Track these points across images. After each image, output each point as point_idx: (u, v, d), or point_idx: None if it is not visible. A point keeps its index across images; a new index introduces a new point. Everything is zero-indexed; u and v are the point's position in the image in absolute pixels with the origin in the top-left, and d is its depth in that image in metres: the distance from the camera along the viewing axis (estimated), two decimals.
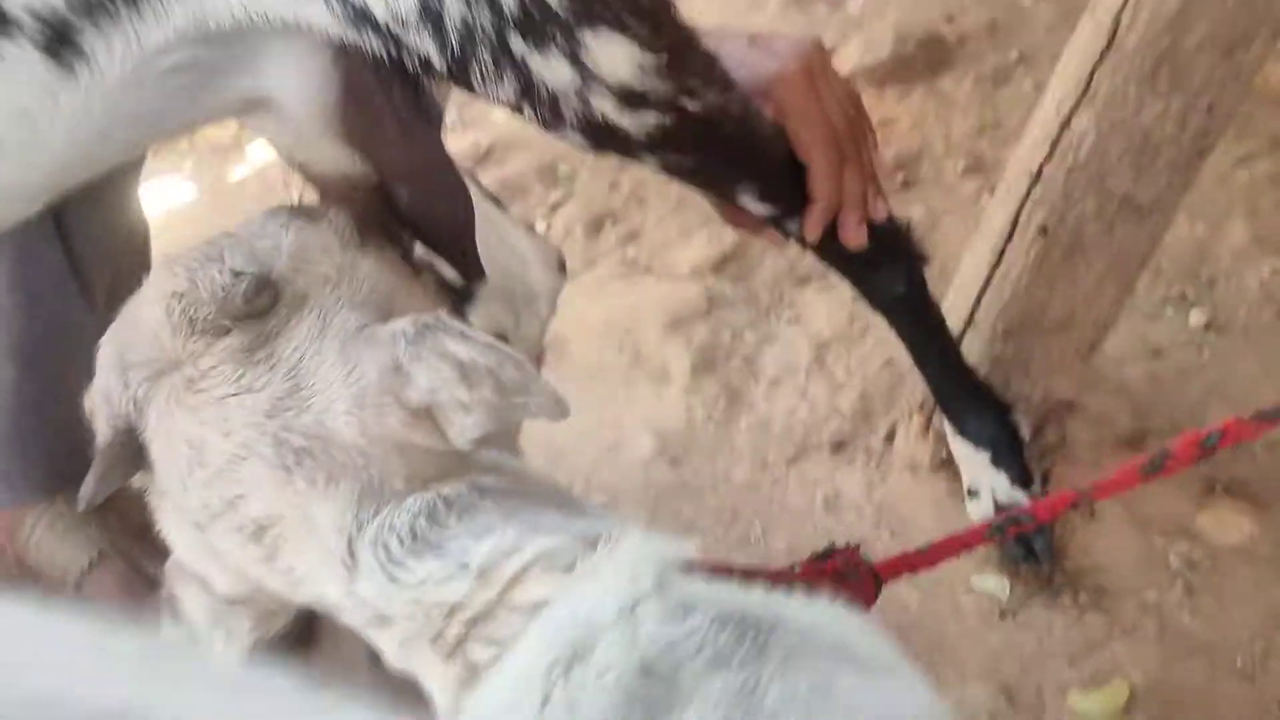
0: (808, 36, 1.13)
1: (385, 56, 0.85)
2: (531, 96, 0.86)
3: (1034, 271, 1.31)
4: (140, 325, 0.74)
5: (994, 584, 1.36)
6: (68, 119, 0.79)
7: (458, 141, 2.19)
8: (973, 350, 1.36)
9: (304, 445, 0.67)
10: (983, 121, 2.14)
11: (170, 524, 0.78)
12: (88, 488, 0.75)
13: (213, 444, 0.69)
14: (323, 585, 0.69)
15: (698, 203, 2.13)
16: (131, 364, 0.73)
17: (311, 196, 1.03)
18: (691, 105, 0.93)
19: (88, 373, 1.42)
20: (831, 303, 1.80)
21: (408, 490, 0.68)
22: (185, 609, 0.82)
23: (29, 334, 1.31)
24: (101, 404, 0.75)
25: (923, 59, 2.30)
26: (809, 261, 1.93)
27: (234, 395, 0.69)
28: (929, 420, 1.47)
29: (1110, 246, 1.28)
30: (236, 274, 0.71)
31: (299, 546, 0.69)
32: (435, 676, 0.68)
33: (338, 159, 0.99)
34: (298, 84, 0.91)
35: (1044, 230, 1.29)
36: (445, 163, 1.06)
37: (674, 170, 1.00)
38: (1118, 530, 1.38)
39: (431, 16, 0.80)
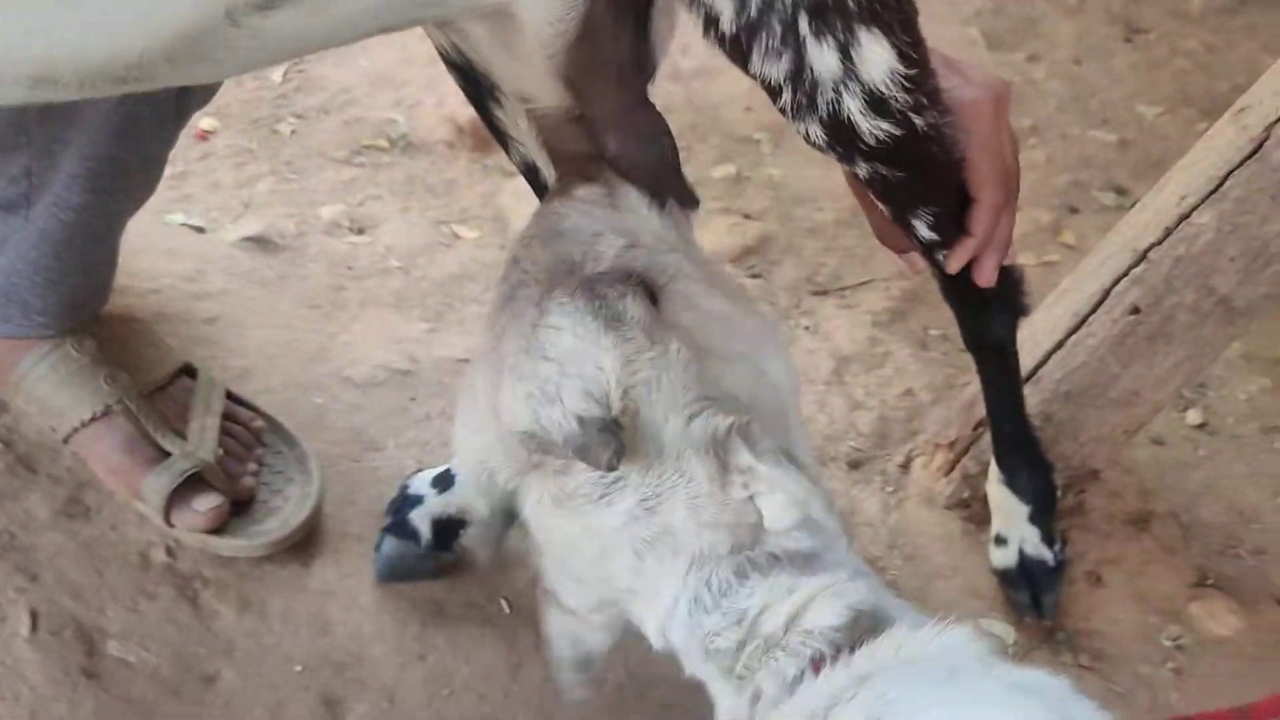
0: (997, 74, 1.15)
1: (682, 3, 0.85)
2: (797, 80, 0.90)
3: (1114, 345, 1.37)
4: (496, 437, 0.88)
5: (1000, 629, 1.41)
6: None
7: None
8: (1029, 404, 1.40)
9: (651, 538, 0.84)
10: None
11: (547, 567, 0.93)
12: (485, 552, 1.02)
13: (582, 543, 0.87)
14: (648, 627, 0.88)
15: (716, 188, 2.14)
16: (495, 466, 0.89)
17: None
18: (918, 121, 0.97)
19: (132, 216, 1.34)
20: (852, 321, 1.83)
21: (729, 554, 0.83)
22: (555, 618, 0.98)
23: (114, 162, 1.21)
24: (471, 483, 0.96)
25: None
26: (827, 274, 1.97)
27: (595, 510, 0.85)
28: (957, 460, 1.51)
29: (1194, 340, 1.34)
30: (581, 420, 0.81)
31: (649, 609, 0.87)
32: (728, 698, 0.82)
33: (550, 92, 0.97)
34: (545, 6, 0.89)
35: (1136, 309, 1.35)
36: (651, 113, 1.04)
37: (876, 181, 1.02)
38: (1119, 602, 1.45)
39: None
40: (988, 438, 1.42)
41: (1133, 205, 2.18)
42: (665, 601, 0.84)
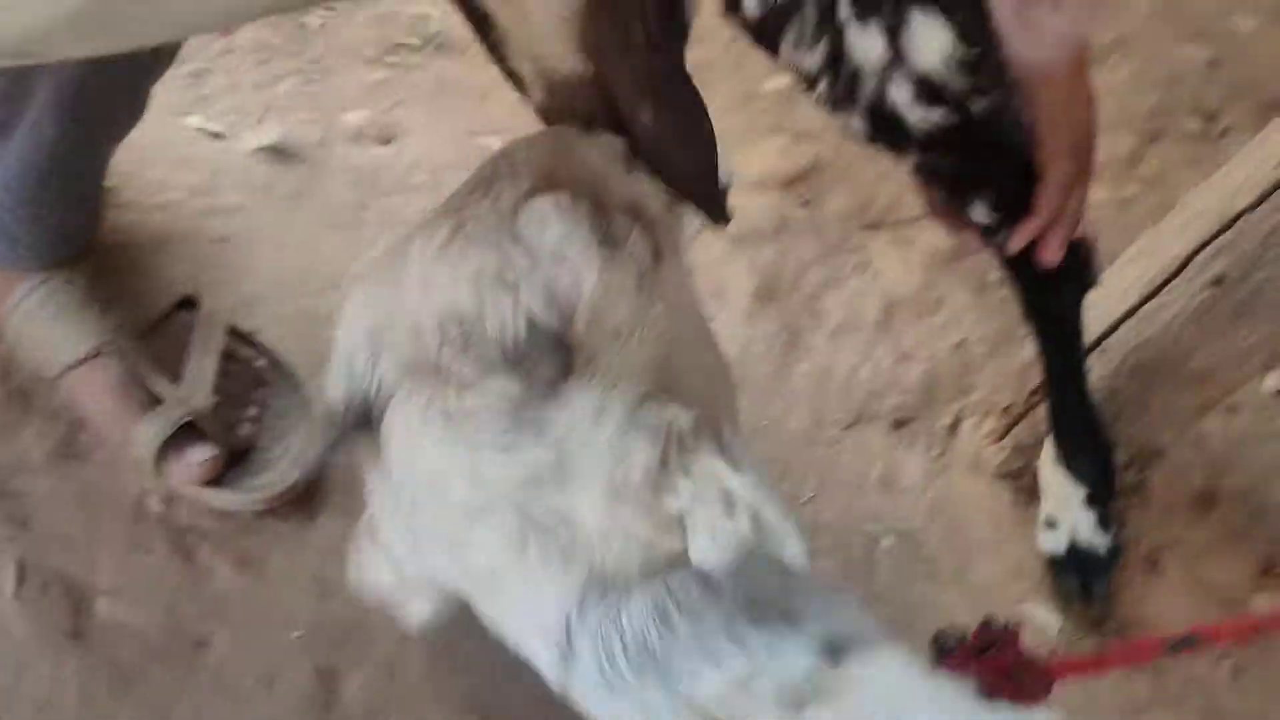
0: (1076, 19, 1.00)
1: None
2: (835, 69, 0.78)
3: (1192, 319, 1.24)
4: (406, 310, 0.68)
5: (1044, 616, 1.31)
6: None
7: None
8: (1092, 375, 1.27)
9: (548, 523, 0.65)
10: None
11: (380, 499, 0.74)
12: (314, 452, 0.70)
13: (456, 486, 0.66)
14: (532, 649, 0.69)
15: (766, 102, 1.99)
16: (387, 344, 0.68)
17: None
18: (976, 106, 0.84)
19: (119, 144, 1.23)
20: (905, 259, 1.70)
21: (638, 578, 0.65)
22: (371, 561, 0.77)
23: (85, 89, 1.11)
24: (342, 362, 0.70)
25: None
26: (882, 205, 1.83)
27: (492, 450, 0.65)
28: (1010, 427, 1.40)
29: None
30: (532, 323, 0.66)
31: (514, 607, 0.69)
32: None
33: (564, 56, 0.85)
34: None
35: (1219, 280, 1.21)
36: (688, 83, 0.91)
37: (927, 169, 0.90)
38: (1176, 589, 1.35)
39: None
40: (1045, 406, 1.30)
41: (1220, 134, 2.02)
42: (551, 618, 0.66)
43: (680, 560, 0.65)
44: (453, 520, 0.67)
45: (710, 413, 0.73)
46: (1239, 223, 1.20)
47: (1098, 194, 1.87)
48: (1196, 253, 1.23)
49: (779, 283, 1.62)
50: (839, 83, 0.77)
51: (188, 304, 1.36)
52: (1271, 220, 1.17)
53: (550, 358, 0.66)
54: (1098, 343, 1.30)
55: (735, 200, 1.72)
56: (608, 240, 0.71)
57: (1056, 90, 0.93)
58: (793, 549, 0.64)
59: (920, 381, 1.53)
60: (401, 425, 0.68)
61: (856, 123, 0.80)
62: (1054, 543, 1.31)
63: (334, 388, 0.71)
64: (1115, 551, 1.31)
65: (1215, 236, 1.21)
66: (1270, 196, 1.18)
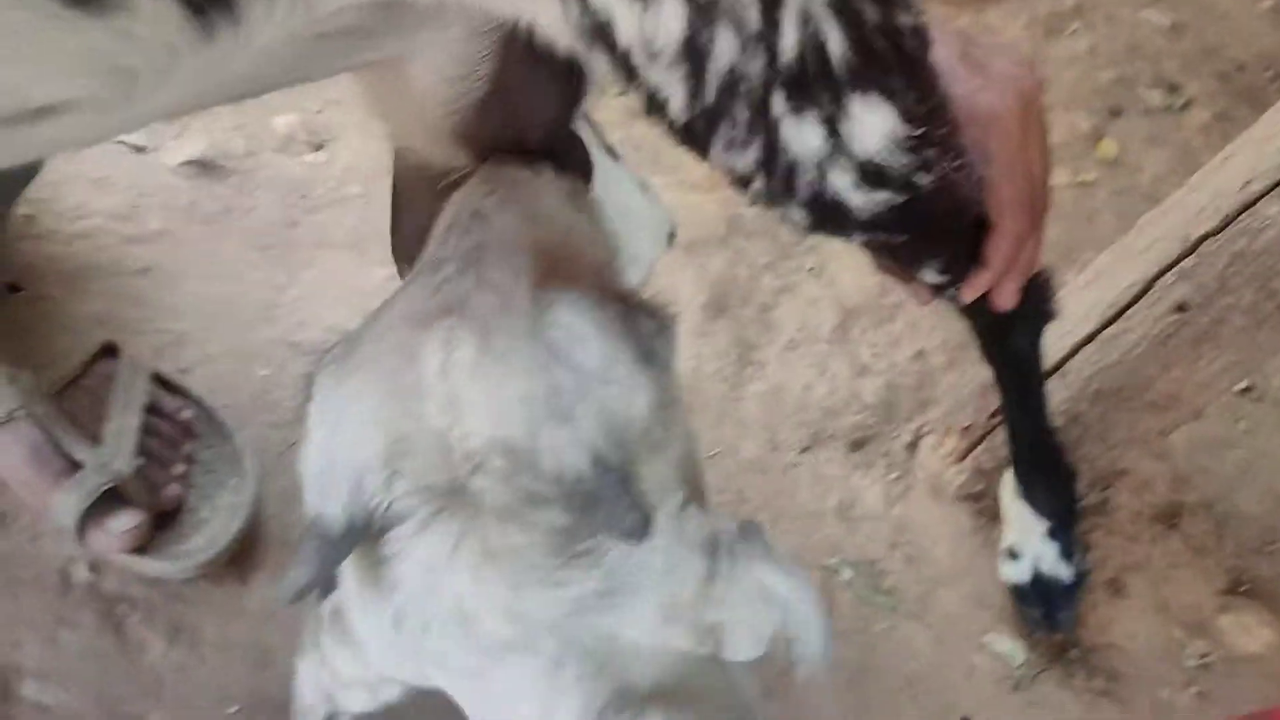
0: (1025, 59, 0.94)
1: (615, 80, 0.65)
2: (770, 167, 0.70)
3: (1153, 345, 1.19)
4: (429, 430, 0.62)
5: (1008, 647, 1.28)
6: (179, 81, 0.57)
7: None
8: (1052, 399, 1.23)
9: (589, 645, 0.62)
10: None
11: (364, 606, 0.66)
12: (300, 577, 0.62)
13: (488, 621, 0.61)
14: None
15: None
16: (403, 470, 0.62)
17: None
18: (923, 180, 0.78)
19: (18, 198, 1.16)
20: (860, 261, 1.64)
21: (650, 695, 0.63)
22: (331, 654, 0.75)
23: None
24: (342, 479, 0.63)
25: None
26: None
27: (537, 587, 0.61)
28: (970, 449, 1.35)
29: (1248, 344, 1.16)
30: (597, 461, 0.59)
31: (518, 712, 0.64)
32: None
33: (443, 153, 0.80)
34: (441, 60, 0.72)
35: (1181, 307, 1.16)
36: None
37: (874, 245, 0.85)
38: (1140, 613, 1.32)
39: (693, 55, 0.62)
40: (1004, 429, 1.26)
41: (1182, 106, 1.97)
42: None
43: (705, 664, 0.65)
44: (477, 654, 0.63)
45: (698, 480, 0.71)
46: (1200, 249, 1.15)
47: (1057, 178, 1.82)
48: (1157, 278, 1.18)
49: (730, 293, 1.56)
50: (775, 178, 0.70)
51: (108, 351, 1.29)
52: (1235, 245, 1.13)
53: (629, 502, 0.60)
54: (1059, 366, 1.25)
55: (684, 201, 1.67)
56: (645, 357, 0.65)
57: (1009, 135, 0.88)
58: (817, 643, 0.63)
59: (879, 396, 1.48)
60: (423, 553, 0.62)
61: (796, 214, 0.74)
62: (1017, 573, 1.28)
63: (330, 504, 0.64)
64: (1080, 578, 1.27)
65: (1176, 262, 1.17)
66: (1233, 222, 1.13)
